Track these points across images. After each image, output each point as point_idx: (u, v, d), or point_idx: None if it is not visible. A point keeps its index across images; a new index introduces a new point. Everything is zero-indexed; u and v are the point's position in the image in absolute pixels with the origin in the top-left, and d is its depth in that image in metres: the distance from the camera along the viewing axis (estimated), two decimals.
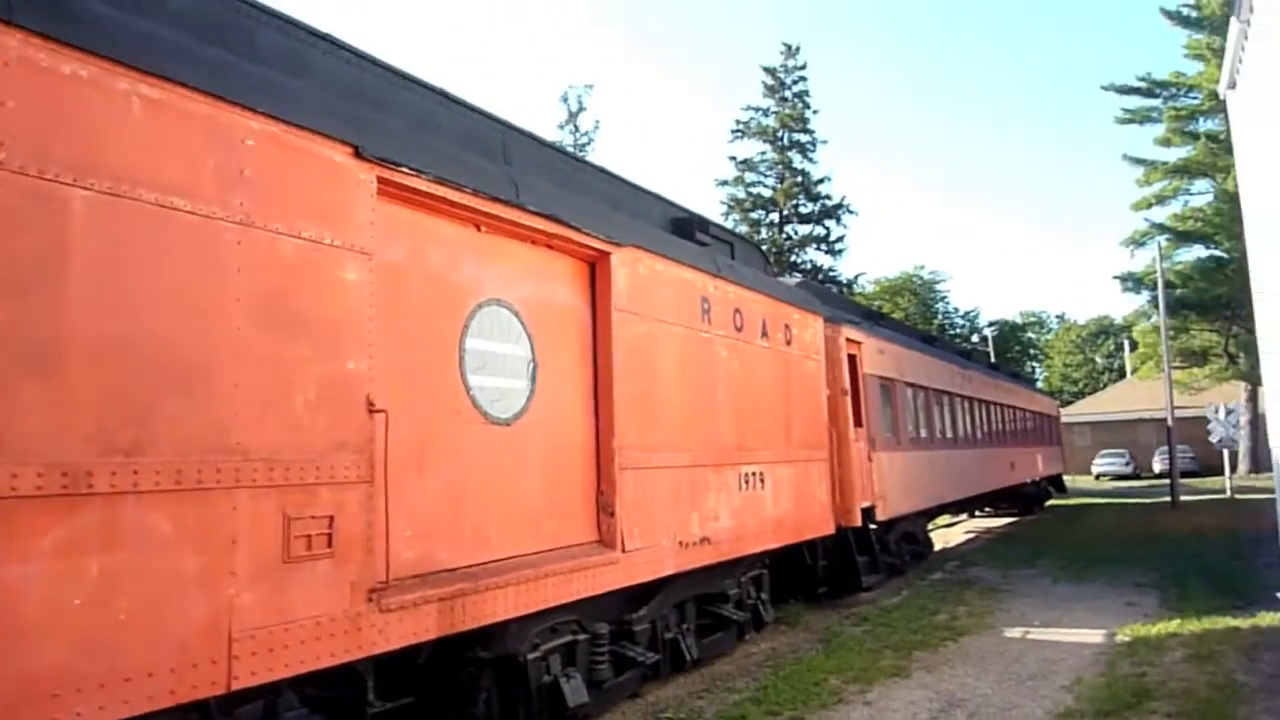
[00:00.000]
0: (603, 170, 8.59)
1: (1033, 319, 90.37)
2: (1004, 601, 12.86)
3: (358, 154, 4.93)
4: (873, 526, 13.56)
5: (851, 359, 13.10)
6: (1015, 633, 10.68)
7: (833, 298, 15.84)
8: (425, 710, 5.84)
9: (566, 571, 6.35)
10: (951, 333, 68.56)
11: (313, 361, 4.56)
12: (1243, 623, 9.90)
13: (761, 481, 9.42)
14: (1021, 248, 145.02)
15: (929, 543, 17.30)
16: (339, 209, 4.82)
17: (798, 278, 21.36)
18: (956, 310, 75.86)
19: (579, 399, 6.97)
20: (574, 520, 6.77)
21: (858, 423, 12.99)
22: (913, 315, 68.96)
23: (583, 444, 6.96)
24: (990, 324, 75.63)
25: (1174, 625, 10.15)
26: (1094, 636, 10.25)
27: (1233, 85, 11.38)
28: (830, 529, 11.17)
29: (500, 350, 6.17)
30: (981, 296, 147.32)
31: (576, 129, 51.52)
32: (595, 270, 7.23)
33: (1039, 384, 73.04)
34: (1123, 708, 7.24)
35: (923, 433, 16.20)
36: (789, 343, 10.42)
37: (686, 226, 9.30)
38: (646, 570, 7.27)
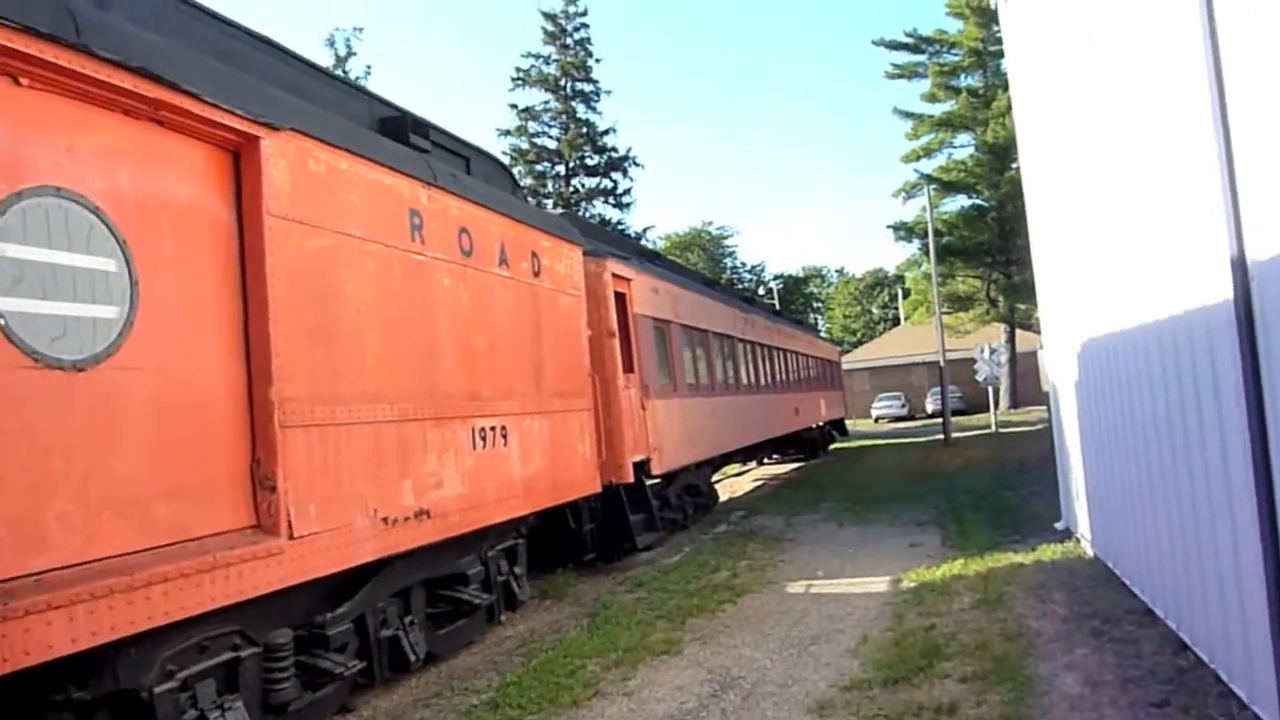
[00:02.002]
0: (278, 47, 6.62)
1: (814, 273, 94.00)
2: (788, 551, 12.03)
3: None
4: (650, 481, 12.38)
5: (620, 298, 11.74)
6: (798, 587, 9.75)
7: (602, 232, 14.48)
8: None
9: (191, 574, 4.52)
10: (739, 286, 69.80)
11: None
12: (1025, 558, 9.37)
13: (504, 437, 7.85)
14: (807, 202, 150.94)
15: (713, 494, 16.43)
16: None
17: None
18: (744, 265, 77.59)
19: (220, 335, 5.10)
20: (212, 501, 4.92)
21: (628, 368, 11.68)
22: (702, 269, 69.65)
23: (227, 397, 5.10)
24: (775, 277, 77.76)
25: (958, 566, 9.51)
26: (879, 585, 9.45)
27: None
28: (596, 487, 9.79)
29: (64, 262, 4.21)
30: (768, 251, 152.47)
31: (346, 75, 47.68)
32: (241, 162, 5.34)
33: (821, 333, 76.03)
34: (913, 671, 6.25)
35: (703, 378, 15.18)
36: (537, 273, 8.85)
37: (397, 126, 7.51)
38: (330, 559, 5.54)
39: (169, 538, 4.66)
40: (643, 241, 49.46)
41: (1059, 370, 10.07)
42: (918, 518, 14.00)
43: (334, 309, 5.84)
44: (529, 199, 46.00)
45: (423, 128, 7.82)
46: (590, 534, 10.26)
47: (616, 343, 11.14)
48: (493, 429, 7.65)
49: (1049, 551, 9.43)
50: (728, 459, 18.36)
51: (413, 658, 6.93)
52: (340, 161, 6.03)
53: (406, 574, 6.96)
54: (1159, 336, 5.72)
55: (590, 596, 10.15)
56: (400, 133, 7.47)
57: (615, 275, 11.46)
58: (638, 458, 11.51)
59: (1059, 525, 10.58)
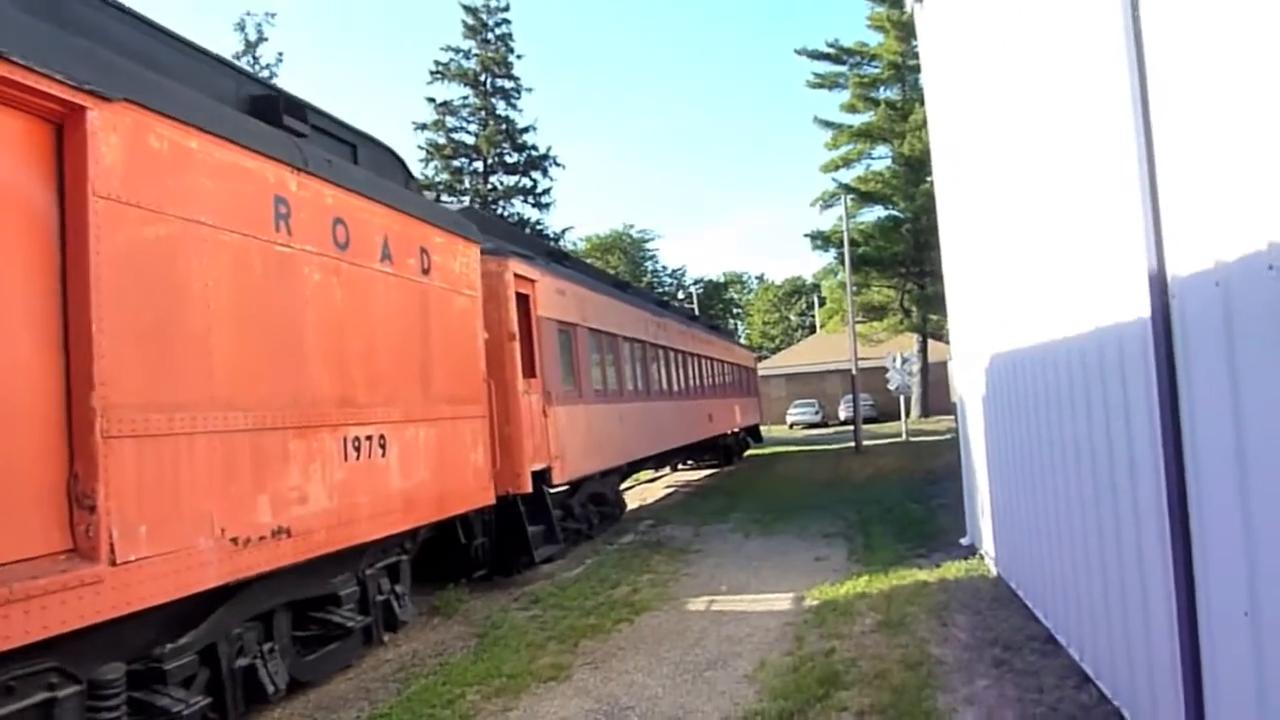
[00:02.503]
0: (128, 12, 5.92)
1: (734, 278, 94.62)
2: (692, 564, 11.66)
3: None
4: (553, 489, 11.87)
5: (523, 299, 11.21)
6: (699, 604, 9.37)
7: (508, 230, 13.93)
8: None
9: None
10: (659, 290, 69.76)
11: None
12: (929, 575, 9.16)
13: (383, 447, 7.26)
14: (731, 209, 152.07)
15: (621, 503, 15.99)
16: None
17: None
18: (665, 268, 77.60)
19: (30, 332, 4.43)
20: (14, 523, 4.26)
21: (530, 373, 11.16)
22: (622, 272, 69.38)
23: (37, 402, 4.44)
24: (695, 282, 77.94)
25: (862, 583, 9.26)
26: (782, 602, 9.13)
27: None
28: (489, 498, 9.24)
29: None
30: (690, 258, 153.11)
31: (255, 61, 46.01)
32: (64, 136, 4.68)
33: (741, 340, 76.46)
34: (810, 701, 5.90)
35: (611, 384, 14.73)
36: (427, 271, 8.27)
37: (268, 106, 6.86)
38: (163, 587, 4.90)
39: None
40: (562, 242, 48.98)
41: (966, 384, 9.92)
42: (825, 529, 13.79)
43: (176, 305, 5.20)
44: (448, 196, 44.97)
45: (298, 109, 7.18)
46: (481, 548, 9.70)
47: (517, 346, 10.62)
48: (369, 438, 7.05)
49: (953, 569, 9.24)
50: (638, 466, 17.94)
51: (271, 689, 6.29)
52: (188, 139, 5.38)
53: (266, 596, 6.33)
54: (1068, 354, 5.48)
55: (482, 614, 9.60)
56: (270, 113, 6.82)
57: (518, 275, 10.93)
58: (538, 466, 10.99)
59: (964, 541, 10.44)
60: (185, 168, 5.36)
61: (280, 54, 53.96)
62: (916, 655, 6.43)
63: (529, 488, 10.50)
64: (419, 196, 8.58)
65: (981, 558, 9.47)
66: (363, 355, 7.12)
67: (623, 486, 21.33)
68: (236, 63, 6.87)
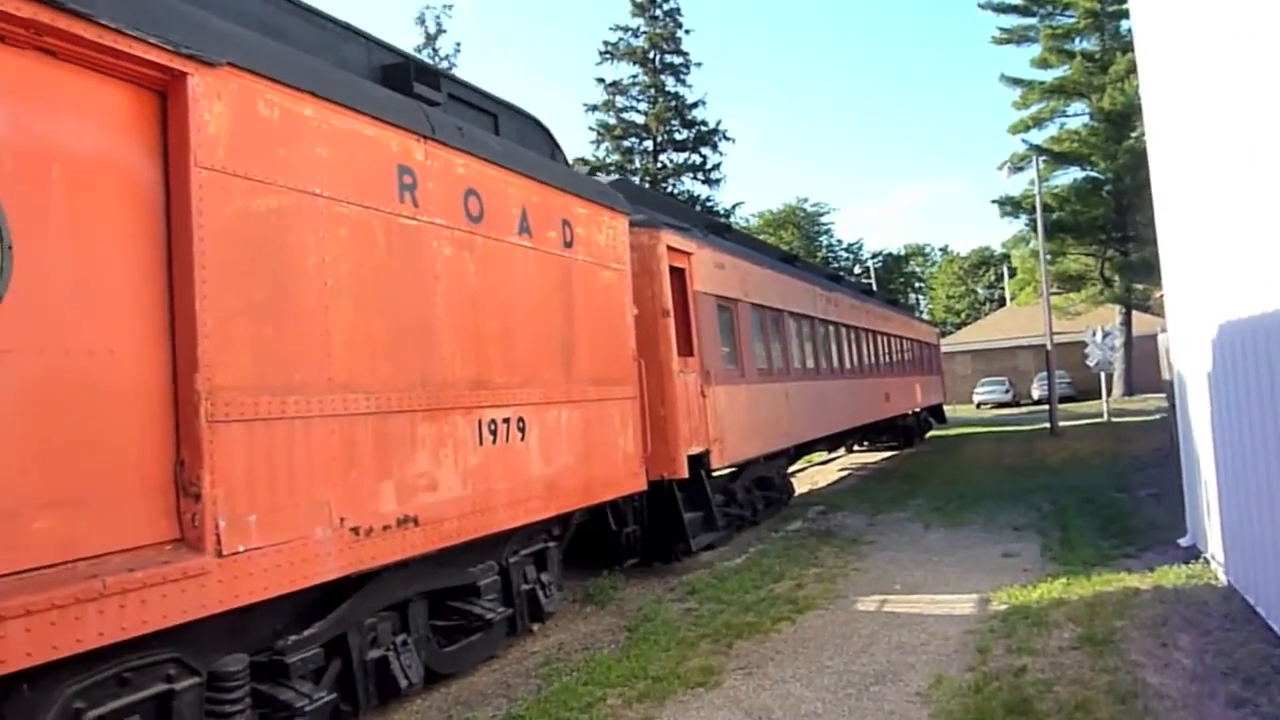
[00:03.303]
0: None
1: (916, 250, 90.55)
2: (865, 557, 10.77)
3: None
4: (712, 474, 11.27)
5: (678, 273, 10.61)
6: (870, 604, 8.53)
7: (664, 201, 13.36)
8: None
9: (64, 605, 3.66)
10: (835, 265, 67.62)
11: None
12: (1141, 581, 7.93)
13: (521, 430, 6.86)
14: (911, 179, 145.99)
15: (788, 487, 15.19)
16: None
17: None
18: (840, 243, 75.17)
19: (134, 312, 4.22)
20: (117, 512, 4.06)
21: (686, 351, 10.56)
22: (796, 247, 67.72)
23: (143, 386, 4.23)
24: (873, 255, 75.10)
25: (1059, 586, 8.14)
26: (964, 605, 8.16)
27: None
28: (640, 485, 8.73)
29: None
30: (866, 229, 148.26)
31: (435, 52, 47.65)
32: (168, 104, 4.44)
33: (923, 315, 73.15)
34: None
35: (776, 362, 13.92)
36: (570, 244, 7.81)
37: (399, 75, 6.55)
38: (275, 580, 4.63)
39: (60, 555, 3.82)
40: (732, 219, 48.07)
41: (1187, 357, 8.52)
42: (1015, 521, 12.52)
43: (289, 281, 4.91)
44: (618, 176, 45.11)
45: (431, 77, 6.84)
46: (632, 537, 9.20)
47: (671, 323, 10.03)
48: (506, 421, 6.66)
49: (1171, 574, 7.95)
50: (808, 449, 17.05)
51: (404, 682, 6.00)
52: (301, 106, 5.08)
53: (399, 586, 6.06)
54: None
55: (635, 605, 9.13)
56: (401, 81, 6.51)
57: (671, 248, 10.33)
58: (695, 450, 10.40)
59: (1183, 541, 9.04)
60: (298, 136, 5.06)
61: (458, 44, 55.69)
62: (1128, 684, 5.38)
63: (685, 473, 9.93)
64: (562, 166, 8.13)
65: (1207, 562, 8.12)
66: (499, 334, 6.72)
67: (791, 470, 20.55)
68: (365, 30, 6.55)
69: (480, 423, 6.39)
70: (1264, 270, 5.51)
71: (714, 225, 13.65)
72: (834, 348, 17.74)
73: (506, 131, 8.06)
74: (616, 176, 11.00)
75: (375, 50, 6.69)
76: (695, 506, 10.83)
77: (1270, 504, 5.79)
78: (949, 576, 9.44)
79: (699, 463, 10.65)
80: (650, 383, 9.46)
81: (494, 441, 6.51)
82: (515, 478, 6.74)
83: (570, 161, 9.82)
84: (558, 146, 8.92)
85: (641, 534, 9.28)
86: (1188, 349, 8.43)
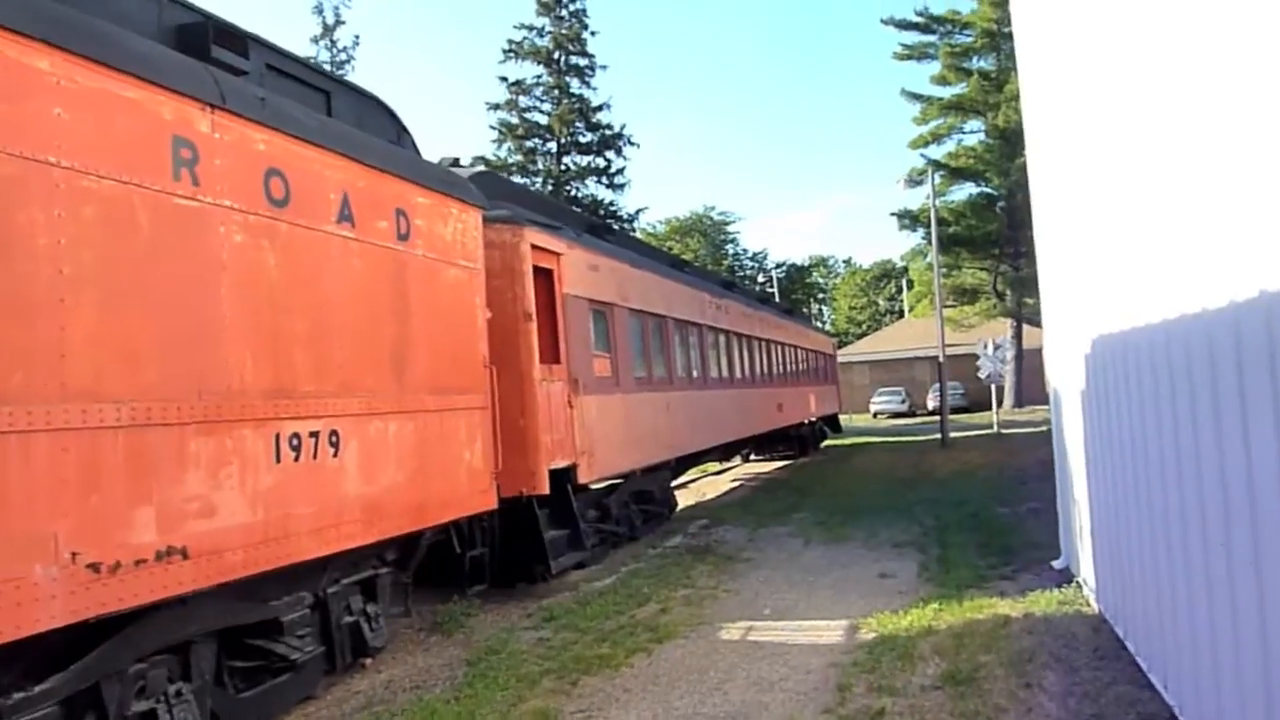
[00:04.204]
0: None
1: (820, 261, 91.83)
2: (739, 577, 10.24)
3: None
4: (583, 490, 10.60)
5: (545, 274, 9.90)
6: (735, 631, 7.97)
7: (537, 199, 12.65)
8: None
9: None
10: (740, 274, 67.86)
11: None
12: (1013, 607, 7.54)
13: (335, 445, 6.04)
14: (817, 191, 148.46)
15: (670, 501, 14.60)
16: None
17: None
18: (746, 252, 75.53)
19: None
20: None
21: (552, 358, 9.86)
22: (702, 255, 67.75)
23: None
24: (777, 265, 75.74)
25: (930, 613, 7.69)
26: (832, 633, 7.65)
27: None
28: (488, 503, 7.97)
29: None
30: (772, 240, 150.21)
31: (333, 44, 45.82)
32: None
33: (824, 325, 74.10)
34: None
35: (657, 371, 13.32)
36: (405, 237, 7.02)
37: (195, 37, 5.69)
38: None
39: None
40: (636, 224, 47.61)
41: (1062, 374, 8.22)
42: (897, 537, 12.18)
43: (7, 268, 4.02)
44: (520, 176, 43.98)
45: (236, 41, 5.99)
46: (482, 559, 8.41)
47: (534, 328, 9.31)
48: (314, 435, 5.84)
49: (1043, 600, 7.58)
50: (694, 460, 16.52)
51: None
52: (34, 58, 4.20)
53: (174, 627, 5.18)
54: (1208, 332, 3.88)
55: (484, 634, 8.37)
56: (198, 44, 5.66)
57: (537, 247, 9.61)
58: (560, 464, 9.70)
59: (1056, 564, 8.73)
60: (27, 93, 4.17)
61: (357, 37, 53.81)
62: None
63: (546, 488, 9.23)
64: (400, 150, 7.32)
65: (1079, 587, 7.79)
66: (308, 335, 5.90)
67: (681, 481, 20.03)
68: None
69: (279, 437, 5.55)
70: (1135, 283, 5.11)
71: (593, 226, 13.00)
72: (723, 356, 17.27)
73: (342, 111, 7.23)
74: (482, 169, 10.20)
75: (169, 8, 5.80)
76: (562, 524, 10.14)
77: (1139, 532, 5.40)
78: (821, 599, 8.96)
79: (565, 477, 9.96)
80: (508, 391, 8.72)
81: (296, 458, 5.68)
82: (325, 499, 5.91)
83: (471, 159, 9.05)
84: (405, 131, 8.13)
85: (492, 556, 8.51)
86: (1062, 365, 8.12)
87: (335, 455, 6.04)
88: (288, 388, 5.67)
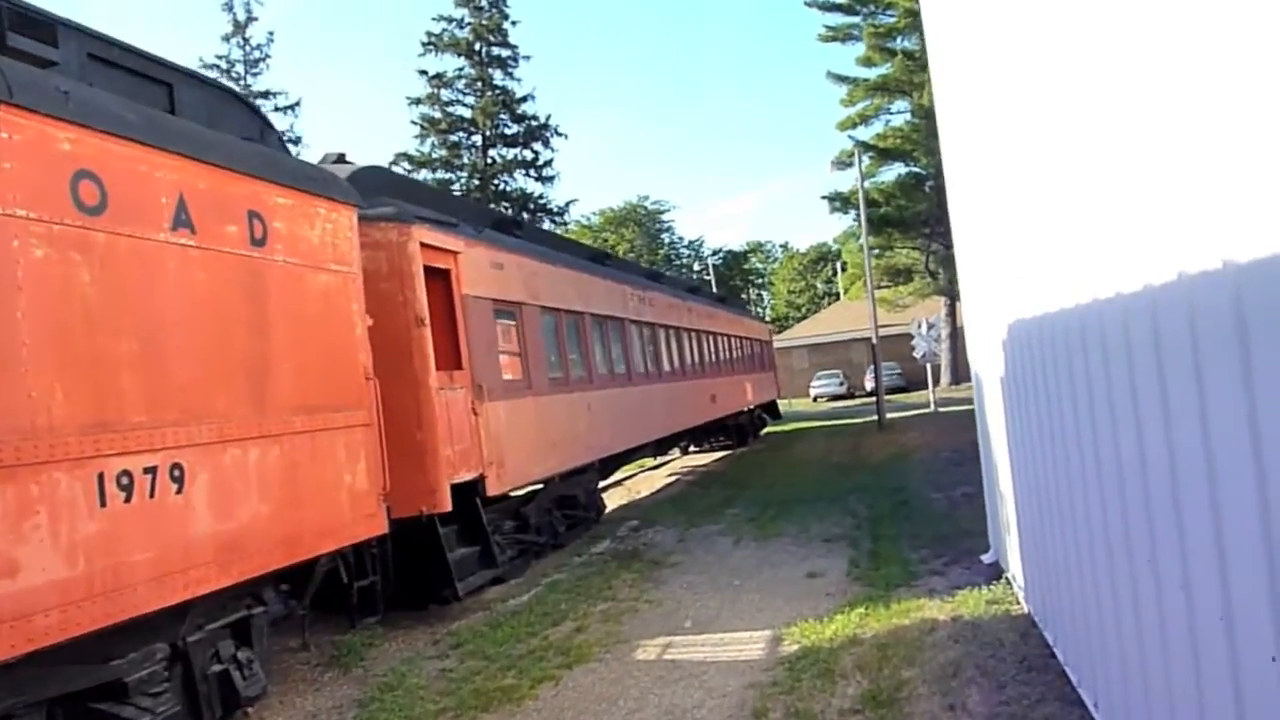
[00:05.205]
0: None
1: (756, 247, 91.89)
2: (663, 584, 9.74)
3: None
4: (494, 500, 9.99)
5: (440, 274, 9.24)
6: (652, 649, 7.45)
7: (432, 193, 11.97)
8: None
9: None
10: (677, 263, 67.55)
11: None
12: (940, 609, 7.13)
13: (178, 481, 5.36)
14: (752, 177, 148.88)
15: (597, 504, 14.04)
16: None
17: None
18: (682, 240, 75.24)
19: None
20: None
21: (452, 364, 9.22)
22: (638, 246, 67.30)
23: None
24: (714, 252, 75.58)
25: (855, 619, 7.26)
26: (754, 648, 7.17)
27: None
28: (377, 527, 7.32)
29: None
30: (708, 227, 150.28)
31: (245, 41, 44.32)
32: None
33: (763, 311, 74.11)
34: None
35: (575, 370, 12.73)
36: (260, 241, 6.33)
37: None
38: None
39: None
40: (567, 216, 46.85)
41: (982, 358, 7.83)
42: (828, 530, 11.80)
43: None
44: (444, 171, 42.81)
45: (44, 29, 5.25)
46: (373, 589, 7.74)
47: (428, 333, 8.66)
48: (149, 471, 5.15)
49: (971, 600, 7.18)
50: (623, 459, 15.98)
51: None
52: None
53: None
54: (1125, 317, 3.42)
55: (385, 666, 7.74)
56: None
57: (429, 246, 8.95)
58: (465, 477, 9.07)
59: (986, 558, 8.37)
60: None
61: (271, 33, 52.06)
62: None
63: (448, 505, 8.59)
64: (249, 146, 6.60)
65: (1008, 583, 7.42)
66: (138, 358, 5.20)
67: (617, 478, 19.50)
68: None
69: (103, 477, 4.86)
70: (1051, 264, 4.67)
71: (500, 221, 12.35)
72: (648, 350, 16.74)
73: (189, 106, 6.51)
74: (365, 165, 9.50)
75: None
76: (473, 540, 9.52)
77: (1062, 532, 4.98)
78: (746, 606, 8.49)
79: (473, 490, 9.34)
80: (401, 403, 8.09)
81: (128, 499, 4.99)
82: (167, 543, 5.23)
83: (393, 156, 8.34)
84: (269, 125, 7.41)
85: (385, 584, 7.85)
86: (981, 349, 7.73)
87: (179, 491, 5.35)
88: (113, 420, 4.97)
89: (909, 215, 42.75)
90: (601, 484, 15.47)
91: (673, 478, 20.75)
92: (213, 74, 39.99)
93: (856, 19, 45.88)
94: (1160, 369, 3.04)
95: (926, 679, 5.57)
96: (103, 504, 4.84)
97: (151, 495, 5.15)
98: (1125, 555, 3.72)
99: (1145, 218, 3.06)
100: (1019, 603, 6.83)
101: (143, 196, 5.34)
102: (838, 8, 45.88)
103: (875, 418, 28.10)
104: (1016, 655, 5.68)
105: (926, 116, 41.29)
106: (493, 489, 9.56)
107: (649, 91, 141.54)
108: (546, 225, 42.50)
